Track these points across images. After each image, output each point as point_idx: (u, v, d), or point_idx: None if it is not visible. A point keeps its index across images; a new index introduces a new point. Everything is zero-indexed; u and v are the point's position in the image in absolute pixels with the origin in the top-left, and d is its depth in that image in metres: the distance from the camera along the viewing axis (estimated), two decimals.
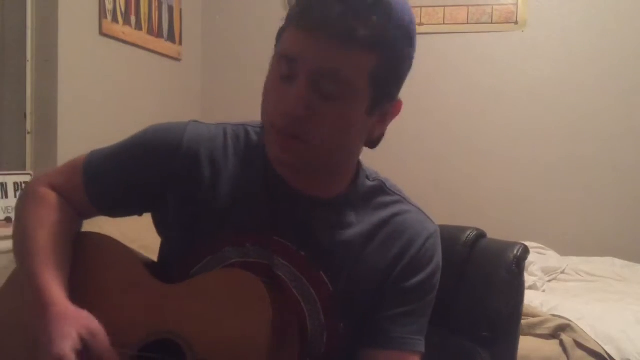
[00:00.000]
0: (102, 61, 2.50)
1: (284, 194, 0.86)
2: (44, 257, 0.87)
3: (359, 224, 0.86)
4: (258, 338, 0.77)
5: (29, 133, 2.22)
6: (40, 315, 0.82)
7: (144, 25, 2.80)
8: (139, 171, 0.90)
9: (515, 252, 1.02)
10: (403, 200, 0.91)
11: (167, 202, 0.90)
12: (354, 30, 0.73)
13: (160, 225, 0.95)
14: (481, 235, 1.05)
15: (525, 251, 1.02)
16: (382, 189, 0.90)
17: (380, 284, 0.86)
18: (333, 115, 0.77)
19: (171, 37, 3.08)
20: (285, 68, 0.77)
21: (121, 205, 0.96)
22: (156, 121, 0.95)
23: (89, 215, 0.98)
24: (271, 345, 0.77)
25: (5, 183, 2.01)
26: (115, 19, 2.55)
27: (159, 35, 2.95)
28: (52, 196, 0.94)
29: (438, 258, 0.89)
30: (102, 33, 2.46)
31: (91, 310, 0.85)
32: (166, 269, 0.91)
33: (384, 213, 0.88)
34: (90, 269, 0.93)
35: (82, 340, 0.80)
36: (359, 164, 0.90)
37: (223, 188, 0.87)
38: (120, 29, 2.59)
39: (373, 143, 0.86)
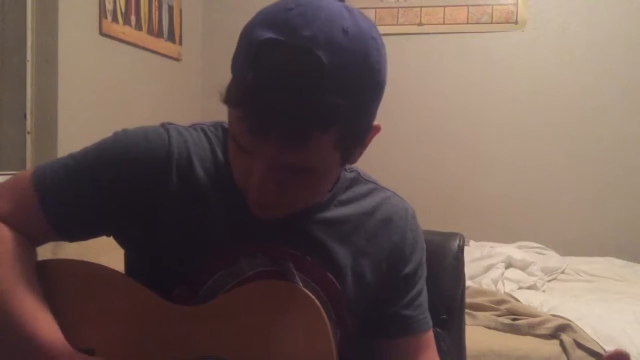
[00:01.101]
0: (102, 61, 2.50)
1: None
2: (27, 303, 0.74)
3: (349, 217, 0.87)
4: (324, 346, 0.74)
5: (29, 133, 2.22)
6: None
7: (144, 25, 2.80)
8: (119, 186, 0.79)
9: (458, 241, 1.15)
10: (379, 187, 0.91)
11: (156, 216, 0.80)
12: (308, 127, 0.66)
13: (141, 242, 0.83)
14: None
15: (464, 239, 1.17)
16: (358, 178, 0.90)
17: (384, 274, 0.87)
18: (306, 184, 0.74)
19: (171, 37, 3.08)
20: (241, 146, 0.71)
21: (91, 227, 0.83)
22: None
23: (43, 242, 0.84)
24: (336, 350, 0.75)
25: None
26: (115, 19, 2.55)
27: (159, 35, 2.95)
28: (3, 229, 0.79)
29: (422, 236, 0.93)
30: (102, 33, 2.46)
31: (105, 352, 0.77)
32: (161, 288, 0.81)
33: (367, 202, 0.88)
34: (76, 301, 0.79)
35: None
36: None
37: (221, 196, 0.81)
38: (120, 29, 2.59)
39: None
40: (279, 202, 0.74)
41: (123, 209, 0.80)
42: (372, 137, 0.77)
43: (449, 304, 1.11)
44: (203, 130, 0.85)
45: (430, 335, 0.92)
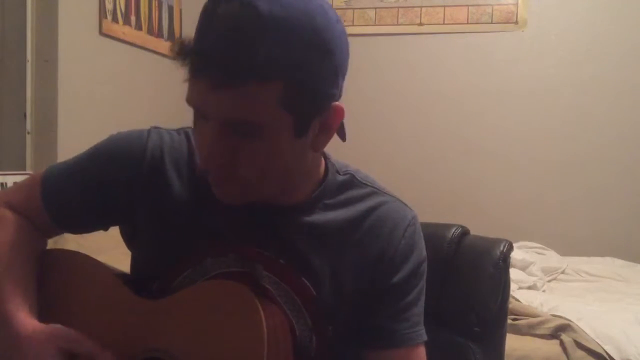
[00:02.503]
0: (102, 61, 2.50)
1: (254, 204, 0.81)
2: (9, 282, 0.82)
3: (334, 223, 0.84)
4: (255, 350, 0.75)
5: (29, 133, 2.23)
6: (14, 346, 0.79)
7: (144, 25, 2.81)
8: (102, 183, 0.86)
9: (501, 248, 1.04)
10: (377, 190, 0.88)
11: (135, 214, 0.86)
12: (244, 70, 0.67)
13: (130, 239, 0.91)
14: (465, 232, 1.06)
15: (510, 247, 1.05)
16: (352, 182, 0.87)
17: (369, 283, 0.84)
18: (257, 151, 0.73)
19: (171, 37, 3.08)
20: (194, 109, 0.74)
21: (84, 221, 0.90)
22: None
23: (52, 234, 0.93)
24: (268, 356, 0.75)
25: (5, 183, 2.01)
26: (115, 19, 2.55)
27: (159, 35, 2.95)
28: (9, 215, 0.88)
29: (421, 244, 0.88)
30: (102, 33, 2.47)
31: None
32: (143, 283, 0.86)
33: (360, 207, 0.85)
34: (63, 289, 0.88)
35: (65, 351, 0.79)
36: (326, 160, 0.87)
37: (194, 197, 0.84)
38: (120, 29, 2.59)
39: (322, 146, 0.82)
40: (231, 170, 0.74)
41: (109, 208, 0.87)
42: (335, 119, 0.77)
43: (483, 315, 1.01)
44: (186, 133, 0.88)
45: (419, 351, 0.86)
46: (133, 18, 2.69)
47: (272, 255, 0.82)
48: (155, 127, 0.89)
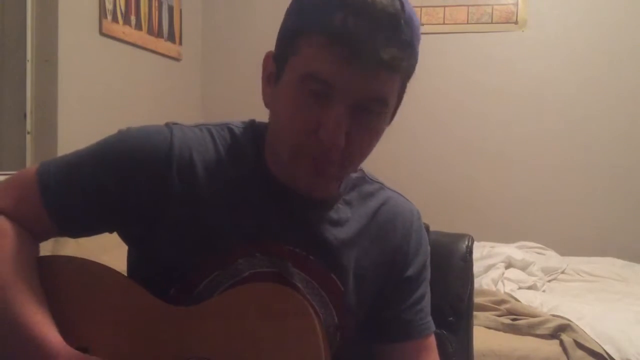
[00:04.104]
0: (102, 61, 2.50)
1: (284, 199, 0.81)
2: (23, 296, 0.75)
3: (354, 218, 0.86)
4: (314, 356, 0.73)
5: (29, 133, 2.22)
6: None
7: (144, 25, 2.80)
8: (120, 184, 0.79)
9: (466, 242, 1.13)
10: (383, 187, 0.91)
11: (156, 215, 0.79)
12: (400, 59, 0.71)
13: (139, 240, 0.84)
14: (426, 228, 1.13)
15: (473, 241, 1.15)
16: (364, 178, 0.90)
17: (386, 277, 0.87)
18: (369, 137, 0.77)
19: (171, 37, 3.08)
20: (315, 86, 0.71)
21: (93, 223, 0.83)
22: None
23: (47, 237, 0.85)
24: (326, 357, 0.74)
25: None
26: (115, 19, 2.55)
27: (159, 35, 2.95)
28: (2, 221, 0.80)
29: (426, 237, 0.93)
30: (102, 33, 2.46)
31: (99, 350, 0.77)
32: (158, 288, 0.80)
33: (372, 203, 0.88)
34: (72, 300, 0.79)
35: None
36: None
37: (222, 195, 0.80)
38: (120, 29, 2.59)
39: None
40: (342, 153, 0.74)
41: (124, 208, 0.80)
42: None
43: (456, 306, 1.09)
44: (208, 130, 0.84)
45: (431, 340, 0.90)
46: (133, 18, 2.69)
47: (302, 252, 0.82)
48: (175, 123, 0.84)
